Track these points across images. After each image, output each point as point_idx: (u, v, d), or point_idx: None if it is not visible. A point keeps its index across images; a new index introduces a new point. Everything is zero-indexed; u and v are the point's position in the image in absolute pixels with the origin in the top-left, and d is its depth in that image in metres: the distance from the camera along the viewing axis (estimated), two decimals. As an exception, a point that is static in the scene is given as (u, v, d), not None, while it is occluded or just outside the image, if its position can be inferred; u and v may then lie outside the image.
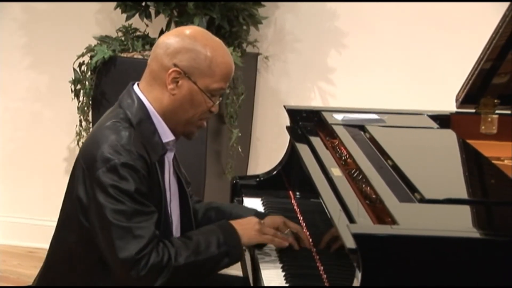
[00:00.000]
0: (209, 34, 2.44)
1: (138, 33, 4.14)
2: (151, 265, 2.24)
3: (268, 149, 4.34)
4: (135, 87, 2.43)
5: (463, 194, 2.29)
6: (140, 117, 2.37)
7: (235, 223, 2.44)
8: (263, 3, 4.06)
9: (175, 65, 2.35)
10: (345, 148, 2.66)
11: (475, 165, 2.63)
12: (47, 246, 2.51)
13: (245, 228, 2.43)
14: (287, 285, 2.32)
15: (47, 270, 2.50)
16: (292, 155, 3.02)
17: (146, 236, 2.25)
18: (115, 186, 2.25)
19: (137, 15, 4.05)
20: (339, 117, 2.96)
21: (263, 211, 2.88)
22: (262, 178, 3.08)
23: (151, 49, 2.46)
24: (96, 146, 2.31)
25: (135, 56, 3.96)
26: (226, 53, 2.41)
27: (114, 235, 2.24)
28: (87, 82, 3.96)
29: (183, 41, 2.37)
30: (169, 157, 2.46)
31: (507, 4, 2.73)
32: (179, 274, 2.29)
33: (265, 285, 2.34)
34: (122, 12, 4.09)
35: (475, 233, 2.00)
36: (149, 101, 2.39)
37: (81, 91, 3.98)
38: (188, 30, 2.42)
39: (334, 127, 2.86)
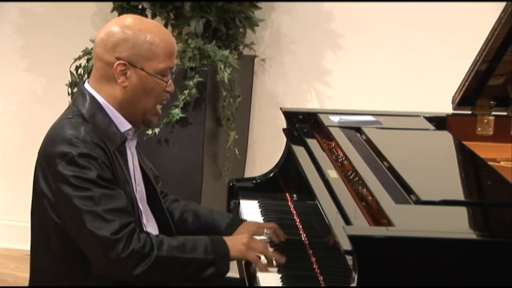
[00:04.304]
0: (141, 18, 2.45)
1: (134, 36, 4.14)
2: (132, 250, 2.24)
3: (264, 151, 4.34)
4: (86, 85, 2.44)
5: (459, 195, 2.28)
6: (94, 111, 2.38)
7: (226, 238, 2.43)
8: (259, 5, 4.07)
9: (118, 58, 2.36)
10: (342, 150, 2.66)
11: (471, 167, 2.63)
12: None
13: (234, 243, 2.42)
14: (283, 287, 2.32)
15: (35, 273, 2.49)
16: (288, 157, 3.02)
17: (117, 219, 2.26)
18: (76, 176, 2.27)
19: (133, 17, 4.05)
20: (335, 119, 2.96)
21: (259, 213, 2.88)
22: (259, 181, 3.08)
23: None
24: (52, 143, 2.35)
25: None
26: (163, 32, 2.42)
27: (86, 221, 2.25)
28: (83, 85, 3.96)
29: (118, 33, 2.37)
30: (130, 146, 2.47)
31: (502, 4, 2.74)
32: (161, 266, 2.29)
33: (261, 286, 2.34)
34: (118, 15, 4.09)
35: (471, 235, 2.00)
36: (101, 97, 2.40)
37: (78, 94, 3.98)
38: (119, 21, 2.42)
39: (331, 129, 2.86)
